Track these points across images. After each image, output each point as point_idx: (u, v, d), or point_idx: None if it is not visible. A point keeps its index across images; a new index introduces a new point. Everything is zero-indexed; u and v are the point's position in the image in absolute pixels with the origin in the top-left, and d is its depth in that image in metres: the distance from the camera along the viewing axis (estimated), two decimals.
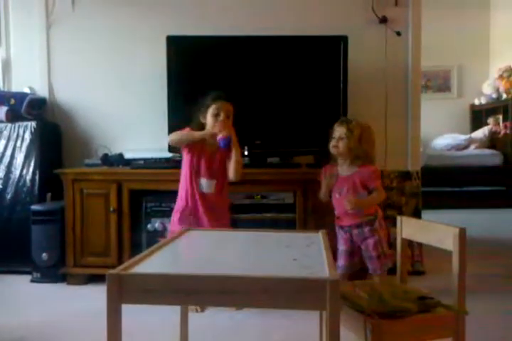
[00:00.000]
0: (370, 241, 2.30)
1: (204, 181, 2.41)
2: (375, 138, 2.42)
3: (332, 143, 2.33)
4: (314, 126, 2.99)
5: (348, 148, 2.29)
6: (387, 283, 1.62)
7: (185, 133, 2.39)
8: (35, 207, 2.98)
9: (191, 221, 2.37)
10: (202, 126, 2.41)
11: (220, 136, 2.34)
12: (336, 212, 2.39)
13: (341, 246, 2.36)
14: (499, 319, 2.33)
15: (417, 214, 3.14)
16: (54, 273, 2.93)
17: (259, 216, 2.81)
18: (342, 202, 2.28)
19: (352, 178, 2.31)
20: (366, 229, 2.30)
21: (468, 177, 5.94)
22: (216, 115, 2.36)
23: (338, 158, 2.36)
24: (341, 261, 2.33)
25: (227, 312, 2.32)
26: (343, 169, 2.35)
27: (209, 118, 2.37)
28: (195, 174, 2.41)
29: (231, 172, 2.39)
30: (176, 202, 2.48)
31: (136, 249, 2.80)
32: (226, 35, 3.10)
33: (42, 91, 3.37)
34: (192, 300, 1.20)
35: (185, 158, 2.45)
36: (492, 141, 6.43)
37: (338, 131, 2.32)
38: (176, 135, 2.41)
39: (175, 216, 2.45)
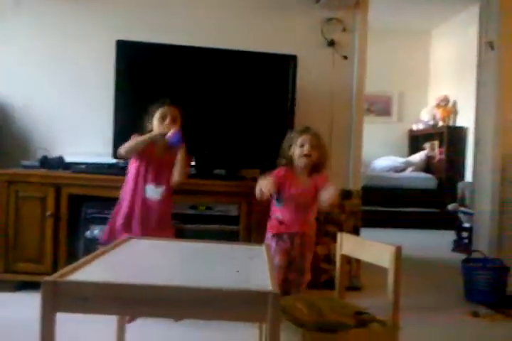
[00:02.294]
0: (309, 255, 2.35)
1: (151, 188, 2.36)
2: None
3: (303, 151, 2.31)
4: (261, 141, 3.02)
5: (316, 157, 2.33)
6: (325, 297, 1.65)
7: (133, 141, 2.34)
8: None
9: (133, 228, 2.32)
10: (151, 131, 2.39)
11: (169, 134, 2.31)
12: (281, 218, 2.34)
13: (277, 261, 2.28)
14: (431, 333, 2.43)
15: (355, 232, 3.22)
16: None
17: (204, 227, 2.79)
18: (295, 211, 2.30)
19: (310, 189, 2.31)
20: (308, 240, 2.34)
21: (404, 198, 6.18)
22: (162, 119, 2.35)
23: (297, 167, 2.35)
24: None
25: (165, 323, 2.27)
26: (303, 178, 2.34)
27: (155, 123, 2.36)
28: (141, 180, 2.36)
29: (176, 172, 2.36)
30: (117, 208, 2.42)
31: (72, 256, 2.70)
32: (177, 44, 3.08)
33: None
34: (130, 310, 1.18)
35: (132, 164, 2.40)
36: (428, 165, 6.74)
37: (308, 139, 2.32)
38: (125, 146, 2.35)
39: (118, 221, 2.38)
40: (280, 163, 2.39)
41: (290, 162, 2.35)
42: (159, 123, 2.35)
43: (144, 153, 2.37)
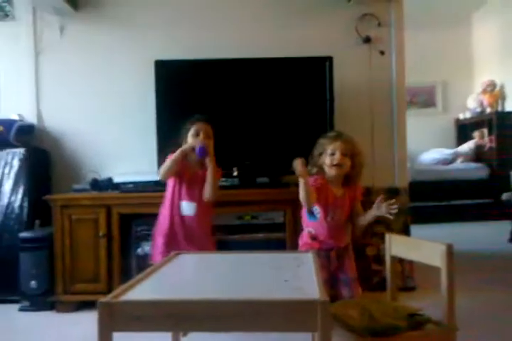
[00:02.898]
0: (348, 264, 2.19)
1: (185, 204, 2.38)
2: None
3: (335, 160, 2.14)
4: (302, 145, 3.01)
5: (348, 167, 2.16)
6: (376, 301, 1.63)
7: (168, 161, 2.36)
8: (23, 234, 2.95)
9: (174, 245, 2.33)
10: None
11: (196, 147, 2.34)
12: (314, 232, 2.19)
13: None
14: (490, 334, 2.32)
15: (406, 230, 3.16)
16: (43, 301, 2.88)
17: (250, 236, 2.81)
18: (329, 225, 2.15)
19: (344, 202, 2.18)
20: (345, 252, 2.21)
21: (455, 190, 5.99)
22: (196, 135, 2.38)
23: (328, 177, 2.18)
24: None
25: (218, 335, 2.27)
26: (336, 190, 2.18)
27: (189, 139, 2.39)
28: (176, 197, 2.38)
29: (206, 191, 2.36)
30: (157, 227, 2.45)
31: (126, 274, 2.79)
32: (214, 58, 3.14)
33: (30, 118, 3.38)
34: (183, 326, 1.20)
35: (169, 182, 2.43)
36: (478, 155, 6.51)
37: (338, 147, 2.14)
38: (162, 168, 2.38)
39: (158, 240, 2.41)
40: (311, 171, 2.20)
41: (321, 171, 2.19)
42: (193, 140, 2.38)
43: (179, 171, 2.39)
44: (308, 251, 1.74)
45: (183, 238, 2.37)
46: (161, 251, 2.35)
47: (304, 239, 2.22)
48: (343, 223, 2.21)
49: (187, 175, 2.40)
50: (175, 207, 2.38)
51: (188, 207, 2.37)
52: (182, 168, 2.38)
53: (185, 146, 2.36)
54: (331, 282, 2.15)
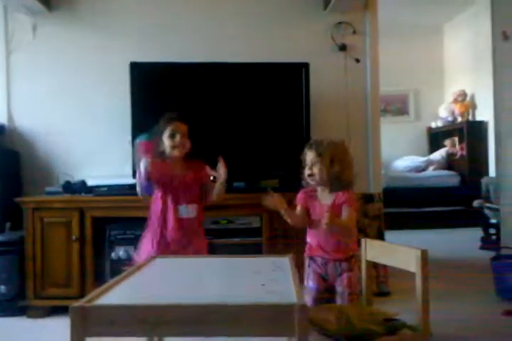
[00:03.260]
0: (345, 276, 1.99)
1: (183, 207, 2.33)
2: (352, 158, 2.10)
3: (306, 171, 2.04)
4: (279, 150, 3.04)
5: (323, 174, 2.00)
6: (353, 305, 1.63)
7: (137, 179, 2.34)
8: None
9: (169, 248, 2.28)
10: (163, 151, 2.36)
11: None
12: (310, 242, 2.08)
13: (311, 283, 2.03)
14: (463, 339, 2.36)
15: (380, 236, 3.20)
16: (13, 306, 2.82)
17: (227, 241, 2.80)
18: (321, 234, 2.01)
19: (332, 206, 1.98)
20: (344, 264, 2.00)
21: (428, 197, 6.09)
22: (172, 136, 2.33)
23: (316, 186, 2.07)
24: (309, 300, 1.97)
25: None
26: (324, 197, 2.05)
27: (165, 141, 2.34)
28: (171, 202, 2.32)
29: (215, 193, 2.37)
30: (149, 231, 2.37)
31: (99, 278, 2.75)
32: (189, 61, 3.13)
33: (1, 119, 3.30)
34: (158, 331, 1.18)
35: (156, 194, 2.37)
36: (449, 163, 6.64)
37: (309, 156, 2.04)
38: (137, 188, 2.36)
39: (153, 245, 2.31)
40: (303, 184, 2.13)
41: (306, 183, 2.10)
42: (170, 141, 2.32)
43: (163, 180, 2.33)
44: (285, 256, 1.73)
45: (180, 242, 2.30)
46: (154, 251, 2.26)
47: (307, 246, 2.12)
48: (331, 233, 1.99)
49: (177, 180, 2.33)
50: (169, 210, 2.31)
51: (186, 210, 2.33)
52: (167, 176, 2.32)
53: (143, 164, 2.29)
54: (329, 291, 2.02)
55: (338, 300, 1.99)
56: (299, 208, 2.07)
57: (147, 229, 2.39)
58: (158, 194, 2.36)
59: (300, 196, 2.10)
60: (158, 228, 2.33)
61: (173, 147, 2.32)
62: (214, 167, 2.46)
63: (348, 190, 2.01)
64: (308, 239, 2.09)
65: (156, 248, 2.30)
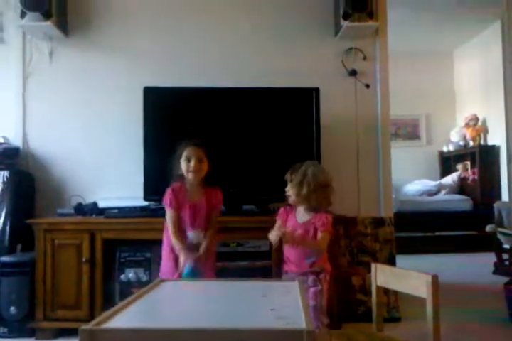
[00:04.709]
0: (312, 290, 2.16)
1: (192, 233, 2.35)
2: (326, 182, 2.25)
3: (286, 191, 2.29)
4: None
5: (294, 196, 2.23)
6: (363, 331, 1.61)
7: (174, 241, 2.32)
8: (4, 259, 2.89)
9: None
10: (182, 177, 2.38)
11: (181, 267, 2.24)
12: (286, 255, 2.28)
13: None
14: None
15: (391, 260, 3.17)
16: (22, 327, 2.81)
17: (235, 264, 2.79)
18: (295, 248, 2.20)
19: (306, 225, 2.22)
20: (311, 278, 2.19)
21: (439, 222, 6.03)
22: (188, 160, 2.35)
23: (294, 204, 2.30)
24: None
25: None
26: (300, 215, 2.27)
27: (182, 164, 2.37)
28: (180, 230, 2.34)
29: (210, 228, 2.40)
30: (163, 264, 2.38)
31: (108, 300, 2.74)
32: (202, 86, 3.18)
33: (16, 141, 3.37)
34: None
35: None
36: (461, 187, 6.59)
37: (288, 179, 2.29)
38: (172, 239, 2.35)
39: (167, 265, 2.35)
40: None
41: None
42: (185, 165, 2.36)
43: (178, 206, 2.36)
44: (295, 280, 1.73)
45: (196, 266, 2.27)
46: (171, 273, 2.29)
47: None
48: (306, 249, 2.20)
49: (188, 207, 2.36)
50: (182, 240, 2.32)
51: (195, 236, 2.34)
52: (181, 202, 2.36)
53: (183, 255, 2.26)
54: None
55: None
56: (279, 223, 2.27)
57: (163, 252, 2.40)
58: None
59: (281, 211, 2.33)
60: (171, 261, 2.33)
61: (188, 172, 2.35)
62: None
63: (324, 212, 2.22)
64: (285, 255, 2.29)
65: (172, 270, 2.31)
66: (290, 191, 2.25)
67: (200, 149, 2.38)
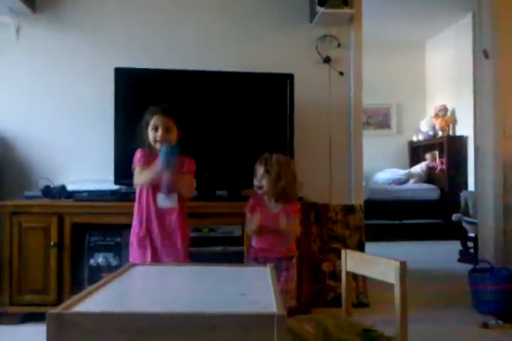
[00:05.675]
0: (283, 275, 2.23)
1: (161, 196, 2.23)
2: (296, 172, 2.34)
3: (255, 182, 2.30)
4: None
5: (269, 187, 2.26)
6: (332, 316, 1.64)
7: (147, 172, 2.20)
8: None
9: (147, 243, 2.23)
10: (150, 146, 2.26)
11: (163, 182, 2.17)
12: (257, 245, 2.31)
13: None
14: None
15: (360, 247, 3.22)
16: None
17: (208, 249, 2.79)
18: (266, 238, 2.25)
19: (278, 215, 2.27)
20: (284, 264, 2.26)
21: (408, 210, 6.16)
22: (155, 129, 2.24)
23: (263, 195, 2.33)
24: None
25: None
26: (271, 206, 2.31)
27: (149, 133, 2.26)
28: (150, 192, 2.23)
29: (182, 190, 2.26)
30: (132, 226, 2.31)
31: (77, 285, 2.70)
32: (174, 68, 3.13)
33: None
34: (137, 340, 1.17)
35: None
36: (430, 176, 6.73)
37: (259, 170, 2.29)
38: (140, 180, 2.24)
39: (133, 240, 2.28)
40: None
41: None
42: (152, 134, 2.24)
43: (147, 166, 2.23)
44: (266, 266, 1.74)
45: (159, 233, 2.23)
46: (135, 252, 2.24)
47: (250, 249, 2.37)
48: (279, 236, 2.27)
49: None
50: (150, 202, 2.23)
51: (164, 200, 2.24)
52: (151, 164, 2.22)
53: (156, 169, 2.17)
54: None
55: None
56: (249, 215, 2.30)
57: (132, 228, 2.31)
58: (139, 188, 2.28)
59: (251, 204, 2.33)
60: (137, 222, 2.27)
61: (155, 141, 2.24)
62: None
63: (293, 201, 2.31)
64: (253, 242, 2.33)
65: (136, 246, 2.25)
66: (264, 182, 2.26)
67: (169, 118, 2.26)
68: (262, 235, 2.28)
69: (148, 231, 2.25)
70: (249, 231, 2.32)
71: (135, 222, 2.30)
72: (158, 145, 2.23)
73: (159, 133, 2.23)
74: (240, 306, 1.23)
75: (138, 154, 2.28)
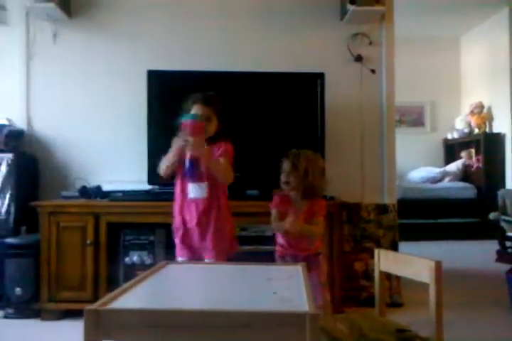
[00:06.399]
0: (315, 272, 2.18)
1: (191, 186, 2.13)
2: (324, 167, 2.31)
3: (282, 178, 2.24)
4: None
5: (297, 183, 2.21)
6: (365, 316, 1.62)
7: (164, 159, 2.16)
8: (9, 241, 2.91)
9: (188, 240, 2.19)
10: None
11: (186, 161, 2.04)
12: (284, 242, 2.27)
13: None
14: None
15: (394, 247, 3.18)
16: (28, 308, 2.84)
17: (240, 248, 2.79)
18: (293, 236, 2.21)
19: (308, 213, 2.23)
20: (312, 261, 2.22)
21: (443, 209, 6.04)
22: None
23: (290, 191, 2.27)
24: None
25: None
26: (297, 202, 2.25)
27: None
28: (184, 184, 2.15)
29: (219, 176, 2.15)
30: (173, 225, 2.25)
31: (112, 283, 2.76)
32: (206, 70, 3.16)
33: (20, 123, 3.36)
34: (172, 336, 1.19)
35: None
36: (465, 174, 6.58)
37: (286, 165, 2.24)
38: (160, 166, 2.18)
39: (176, 236, 2.23)
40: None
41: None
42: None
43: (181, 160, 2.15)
44: (298, 264, 1.74)
45: (196, 226, 2.14)
46: (179, 248, 2.21)
47: (277, 246, 2.32)
48: (302, 235, 2.21)
49: (188, 158, 2.09)
50: (184, 194, 2.16)
51: (195, 189, 2.14)
52: (183, 154, 2.11)
53: (176, 144, 2.10)
54: None
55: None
56: (275, 211, 2.24)
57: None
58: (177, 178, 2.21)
59: (276, 200, 2.28)
60: (176, 217, 2.20)
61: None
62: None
63: (319, 198, 2.27)
64: (279, 240, 2.29)
65: (179, 243, 2.21)
66: (291, 178, 2.21)
67: (209, 107, 2.19)
68: (291, 234, 2.23)
69: (184, 224, 2.19)
70: (275, 228, 2.26)
71: (174, 214, 2.24)
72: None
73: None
74: (272, 304, 1.23)
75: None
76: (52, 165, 3.37)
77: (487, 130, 6.39)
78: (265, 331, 1.11)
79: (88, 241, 2.82)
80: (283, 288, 1.42)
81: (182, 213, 2.20)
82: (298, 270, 1.64)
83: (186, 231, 2.20)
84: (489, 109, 6.41)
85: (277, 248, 2.31)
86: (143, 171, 3.01)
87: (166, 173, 2.18)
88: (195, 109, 2.19)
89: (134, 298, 1.29)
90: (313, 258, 2.26)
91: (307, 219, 2.21)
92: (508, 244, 4.61)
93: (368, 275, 3.06)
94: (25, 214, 3.03)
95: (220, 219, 2.19)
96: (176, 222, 2.23)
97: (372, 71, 3.43)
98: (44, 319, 2.83)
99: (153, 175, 2.98)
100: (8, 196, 3.06)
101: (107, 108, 3.39)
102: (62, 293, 2.82)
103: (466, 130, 6.64)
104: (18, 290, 2.85)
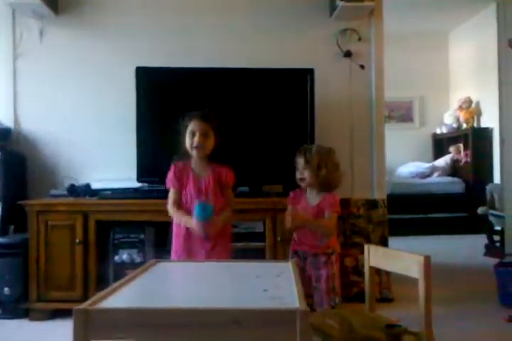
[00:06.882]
0: (323, 273, 2.17)
1: (198, 205, 2.13)
2: (339, 161, 2.31)
3: (297, 175, 2.25)
4: (282, 155, 3.01)
5: (311, 178, 2.21)
6: (355, 311, 1.63)
7: (178, 216, 2.20)
8: None
9: (190, 248, 2.19)
10: (187, 153, 2.22)
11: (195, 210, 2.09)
12: (296, 237, 2.28)
13: None
14: None
15: (383, 242, 3.20)
16: (16, 308, 2.82)
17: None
18: (305, 230, 2.22)
19: (317, 207, 2.23)
20: (322, 260, 2.19)
21: (431, 204, 6.08)
22: (192, 135, 2.18)
23: (306, 187, 2.28)
24: None
25: None
26: (312, 198, 2.26)
27: (186, 139, 2.20)
28: (189, 202, 2.19)
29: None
30: (173, 243, 2.25)
31: (102, 282, 2.74)
32: (195, 67, 3.14)
33: (7, 122, 3.32)
34: (162, 335, 1.19)
35: None
36: (454, 169, 6.62)
37: (299, 161, 2.25)
38: (174, 215, 2.22)
39: (175, 242, 2.23)
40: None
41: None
42: (189, 140, 2.19)
43: (179, 184, 2.22)
44: (288, 261, 1.74)
45: (200, 241, 2.17)
46: (178, 253, 2.20)
47: (292, 241, 2.32)
48: (312, 231, 2.22)
49: (192, 184, 2.21)
50: (189, 207, 2.18)
51: (201, 212, 2.12)
52: (185, 181, 2.21)
53: (191, 225, 2.13)
54: (307, 284, 2.12)
55: (316, 295, 2.15)
56: (290, 207, 2.26)
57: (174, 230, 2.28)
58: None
59: (291, 196, 2.32)
60: (178, 239, 2.22)
61: (192, 147, 2.20)
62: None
63: (332, 192, 2.25)
64: (294, 235, 2.29)
65: (179, 248, 2.21)
66: (306, 174, 2.21)
67: (207, 123, 2.21)
68: (300, 229, 2.24)
69: (190, 238, 2.19)
70: (285, 223, 2.23)
71: (175, 239, 2.24)
72: (194, 153, 2.20)
73: (196, 138, 2.17)
74: (262, 302, 1.23)
75: (170, 172, 2.23)
76: (40, 164, 3.34)
77: (475, 125, 6.42)
78: (256, 328, 1.11)
79: (77, 240, 2.80)
80: (273, 285, 1.42)
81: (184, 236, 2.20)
82: (288, 267, 1.64)
83: (189, 244, 2.20)
84: (477, 103, 6.45)
85: (292, 242, 2.32)
86: (132, 169, 3.00)
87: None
88: (193, 125, 2.21)
89: (123, 297, 1.29)
90: (323, 257, 2.19)
91: (317, 213, 2.20)
92: (495, 238, 4.67)
93: (358, 270, 3.07)
94: (13, 213, 3.00)
95: (227, 235, 2.28)
96: (179, 245, 2.22)
97: (362, 67, 3.43)
98: (33, 319, 2.81)
99: (142, 173, 2.98)
100: None
101: (95, 105, 3.36)
102: (51, 292, 2.80)
103: (455, 125, 6.68)
104: (6, 290, 2.82)
